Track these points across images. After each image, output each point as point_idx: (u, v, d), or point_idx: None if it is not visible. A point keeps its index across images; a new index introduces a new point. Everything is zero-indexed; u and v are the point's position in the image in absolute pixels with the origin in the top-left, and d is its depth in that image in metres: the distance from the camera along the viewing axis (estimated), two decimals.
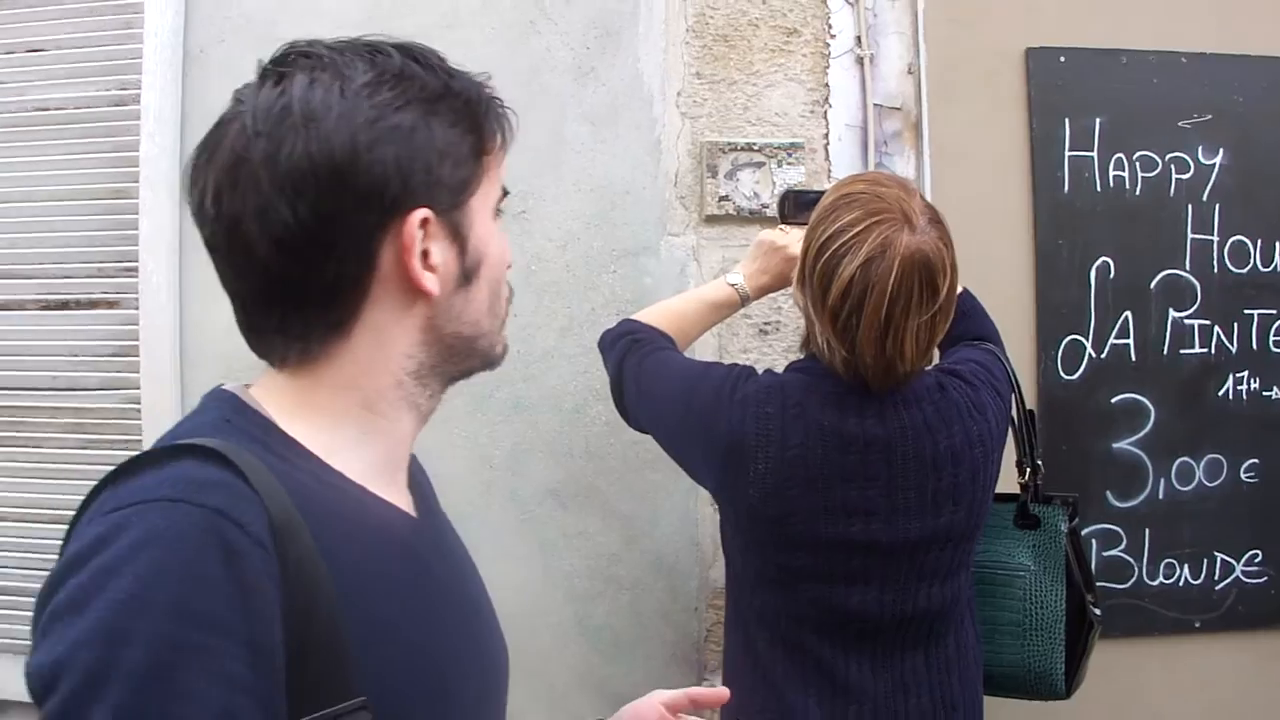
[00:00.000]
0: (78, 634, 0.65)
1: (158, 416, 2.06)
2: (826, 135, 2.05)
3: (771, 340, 2.02)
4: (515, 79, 2.03)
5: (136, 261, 2.06)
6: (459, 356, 0.88)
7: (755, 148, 2.00)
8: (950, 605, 1.52)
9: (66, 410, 2.11)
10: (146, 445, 1.98)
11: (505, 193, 0.90)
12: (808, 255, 1.43)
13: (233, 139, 0.79)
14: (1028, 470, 1.71)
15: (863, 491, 1.42)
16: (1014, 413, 1.67)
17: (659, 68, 2.04)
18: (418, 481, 0.95)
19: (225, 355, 2.02)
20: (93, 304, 2.10)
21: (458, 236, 0.84)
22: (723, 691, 1.16)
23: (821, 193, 1.52)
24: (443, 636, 0.85)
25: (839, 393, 1.43)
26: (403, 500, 0.89)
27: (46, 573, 0.70)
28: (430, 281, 0.82)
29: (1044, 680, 1.66)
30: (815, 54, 2.06)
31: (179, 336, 2.08)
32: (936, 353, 1.59)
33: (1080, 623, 1.67)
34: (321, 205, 0.77)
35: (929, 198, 1.99)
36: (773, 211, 1.94)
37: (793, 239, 1.65)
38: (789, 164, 2.00)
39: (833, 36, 2.06)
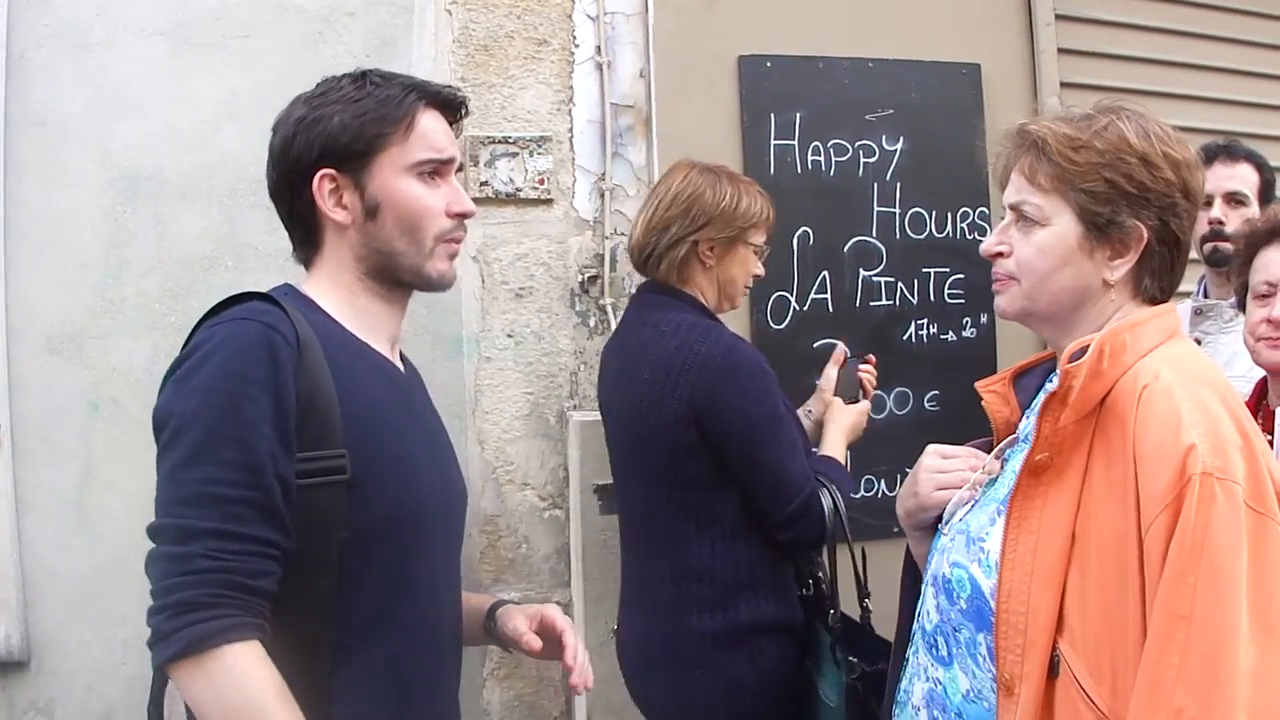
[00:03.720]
0: (188, 391, 1.13)
1: None
2: (571, 129, 2.45)
3: (526, 302, 2.41)
4: (304, 83, 2.31)
5: None
6: (389, 268, 1.29)
7: (511, 140, 2.39)
8: None
9: None
10: None
11: (440, 161, 1.29)
12: None
13: None
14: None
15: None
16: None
17: (429, 72, 2.38)
18: (412, 371, 1.42)
19: (47, 328, 2.28)
20: None
21: (359, 186, 1.26)
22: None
23: None
24: (411, 443, 1.30)
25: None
26: (393, 360, 1.35)
27: None
28: (340, 215, 1.27)
29: None
30: (562, 61, 2.45)
31: (4, 313, 2.26)
32: None
33: None
34: (277, 171, 1.29)
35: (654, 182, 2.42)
36: (526, 194, 2.34)
37: None
38: (539, 154, 2.39)
39: (577, 46, 2.46)
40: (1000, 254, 1.23)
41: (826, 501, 1.82)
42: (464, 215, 1.32)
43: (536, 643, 1.39)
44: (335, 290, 1.30)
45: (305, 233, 1.32)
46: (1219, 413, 1.03)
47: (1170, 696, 0.94)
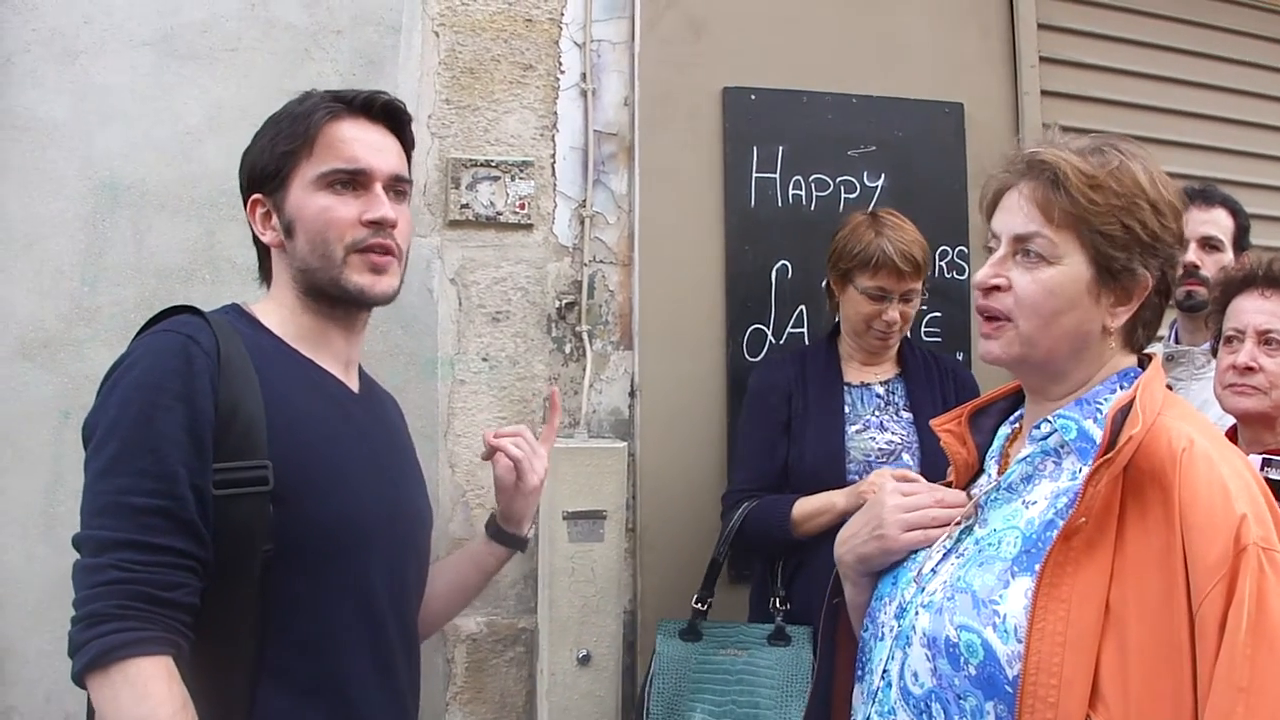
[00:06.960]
0: (108, 403, 1.16)
1: None
2: (554, 155, 2.46)
3: (502, 326, 2.41)
4: (289, 99, 2.34)
5: None
6: (316, 285, 1.30)
7: (493, 164, 2.39)
8: None
9: None
10: None
11: (347, 172, 1.28)
12: None
13: None
14: None
15: None
16: None
17: (414, 94, 2.39)
18: (375, 392, 1.44)
19: (20, 334, 2.27)
20: None
21: (278, 207, 1.30)
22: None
23: None
24: (349, 460, 1.29)
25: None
26: (348, 380, 1.36)
27: None
28: (269, 236, 1.32)
29: None
30: (547, 87, 2.46)
31: None
32: None
33: None
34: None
35: (638, 210, 2.45)
36: (507, 218, 2.35)
37: None
38: (521, 178, 2.40)
39: (562, 72, 2.47)
40: (997, 287, 1.14)
41: (738, 514, 2.10)
42: (378, 223, 1.29)
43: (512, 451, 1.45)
44: (279, 309, 1.33)
45: (261, 255, 1.37)
46: (1248, 477, 1.02)
47: None
